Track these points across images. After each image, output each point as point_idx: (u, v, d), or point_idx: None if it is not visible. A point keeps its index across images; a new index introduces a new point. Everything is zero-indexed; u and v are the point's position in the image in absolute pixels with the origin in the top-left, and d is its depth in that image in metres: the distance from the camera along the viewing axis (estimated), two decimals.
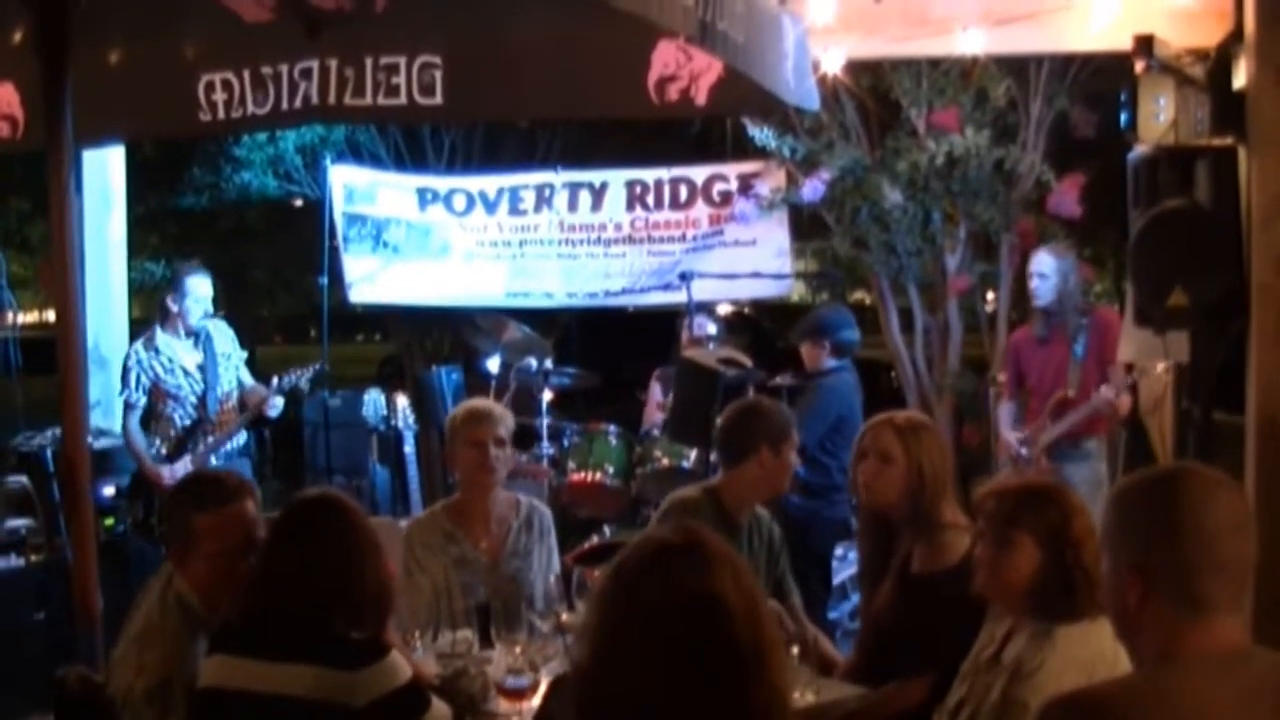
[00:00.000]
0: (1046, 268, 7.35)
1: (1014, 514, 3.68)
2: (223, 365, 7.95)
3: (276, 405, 7.94)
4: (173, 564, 4.09)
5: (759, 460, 5.21)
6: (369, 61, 5.92)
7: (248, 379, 8.13)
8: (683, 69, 5.54)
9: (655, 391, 8.68)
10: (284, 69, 6.03)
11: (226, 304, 22.99)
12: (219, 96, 6.18)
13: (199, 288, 7.98)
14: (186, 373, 7.84)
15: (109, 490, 7.91)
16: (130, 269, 9.86)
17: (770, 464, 5.20)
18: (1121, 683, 2.61)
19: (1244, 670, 2.49)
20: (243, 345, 8.17)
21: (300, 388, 8.28)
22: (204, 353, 7.93)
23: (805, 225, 9.70)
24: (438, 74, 5.86)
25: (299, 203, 13.48)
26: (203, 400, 7.84)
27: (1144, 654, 2.60)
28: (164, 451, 7.77)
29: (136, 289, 14.45)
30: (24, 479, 7.84)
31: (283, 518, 3.86)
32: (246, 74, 6.11)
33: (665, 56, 5.59)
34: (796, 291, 11.95)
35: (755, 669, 2.47)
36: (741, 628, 2.47)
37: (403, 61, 5.90)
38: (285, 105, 6.09)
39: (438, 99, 5.90)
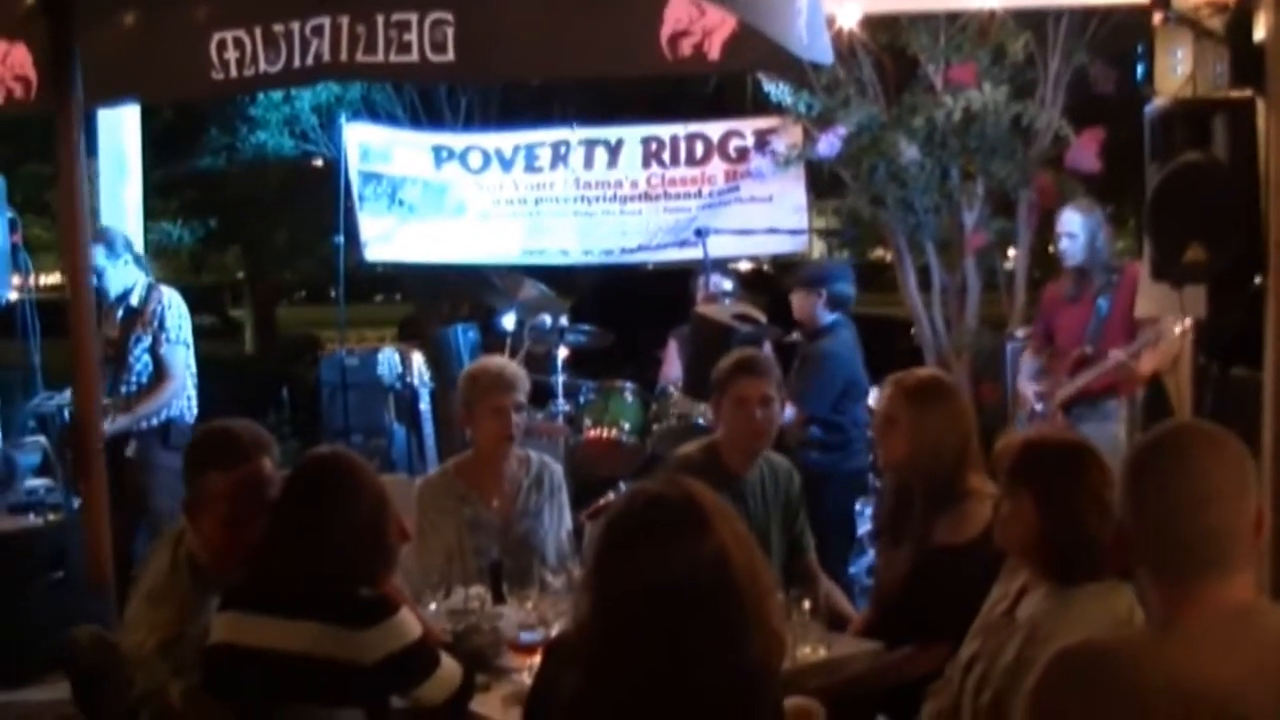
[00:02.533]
0: (1075, 226, 7.24)
1: (1018, 469, 3.66)
2: (132, 349, 7.15)
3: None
4: (187, 520, 4.12)
5: (717, 410, 5.30)
6: (380, 18, 5.90)
7: (176, 369, 7.17)
8: (695, 24, 5.52)
9: (672, 349, 8.67)
10: (295, 27, 6.02)
11: (247, 266, 23.15)
12: (231, 55, 6.17)
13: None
14: (105, 343, 6.87)
15: None
16: (148, 231, 9.85)
17: (724, 411, 5.22)
18: (1127, 638, 2.60)
19: (1246, 632, 2.47)
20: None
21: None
22: (120, 328, 7.16)
23: (825, 182, 9.65)
24: (449, 31, 5.83)
25: (319, 163, 13.46)
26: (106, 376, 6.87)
27: (1148, 613, 2.60)
28: None
29: (154, 252, 14.51)
30: (42, 439, 7.86)
31: (292, 477, 3.88)
32: (258, 32, 6.10)
33: (678, 12, 5.57)
34: (816, 249, 11.89)
35: (756, 617, 2.49)
36: (743, 578, 2.48)
37: (414, 18, 5.88)
38: (297, 63, 6.08)
39: (449, 56, 5.88)
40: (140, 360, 7.16)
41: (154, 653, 3.85)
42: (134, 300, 7.19)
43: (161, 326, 7.17)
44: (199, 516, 4.07)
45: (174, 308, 7.25)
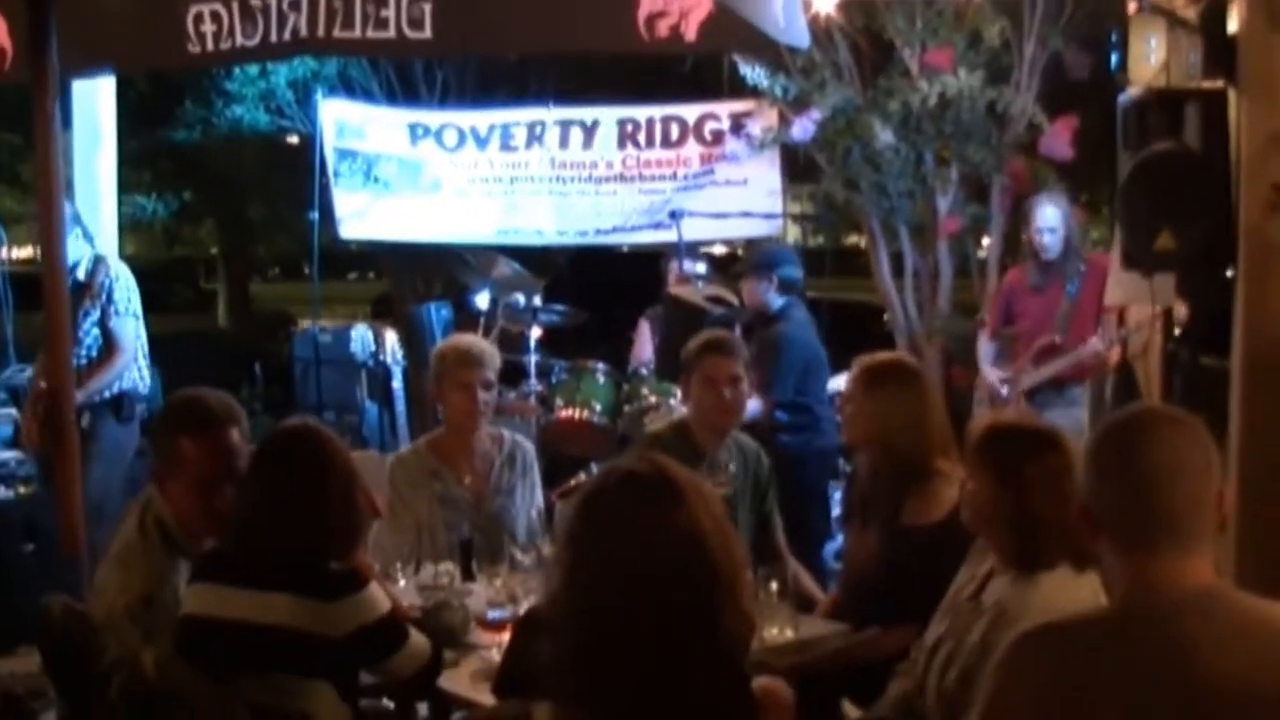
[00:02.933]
0: (1055, 221, 7.27)
1: (981, 449, 3.69)
2: (81, 323, 6.98)
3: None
4: (155, 486, 4.13)
5: (686, 390, 5.39)
6: None
7: (126, 342, 7.12)
8: (672, 5, 5.52)
9: (644, 330, 8.68)
10: (273, 1, 6.01)
11: (221, 241, 23.06)
12: (208, 28, 6.16)
13: None
14: None
15: None
16: (121, 203, 9.81)
17: (693, 391, 5.29)
18: (1092, 616, 2.63)
19: (1215, 612, 2.49)
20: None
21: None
22: (72, 299, 6.64)
23: (801, 166, 9.66)
24: (427, 7, 5.82)
25: (294, 138, 13.42)
26: None
27: (1110, 591, 2.63)
28: None
29: (129, 225, 14.46)
30: (13, 412, 7.84)
31: (262, 449, 3.91)
32: (235, 5, 6.09)
33: None
34: (791, 233, 11.90)
35: (729, 595, 2.49)
36: (718, 554, 2.49)
37: None
38: (274, 37, 6.06)
39: (426, 32, 5.87)
40: (90, 334, 7.09)
41: (123, 615, 3.84)
42: (80, 274, 7.07)
43: (110, 299, 7.11)
44: (167, 483, 4.08)
45: (122, 280, 7.19)
